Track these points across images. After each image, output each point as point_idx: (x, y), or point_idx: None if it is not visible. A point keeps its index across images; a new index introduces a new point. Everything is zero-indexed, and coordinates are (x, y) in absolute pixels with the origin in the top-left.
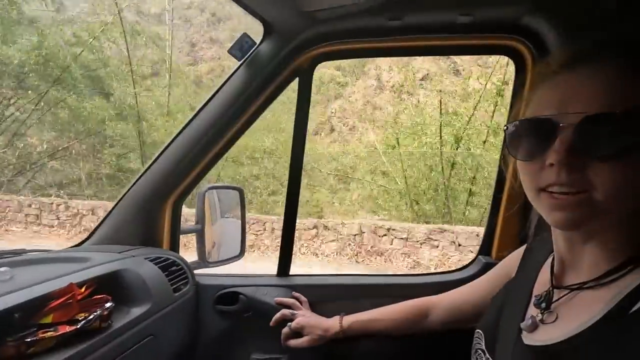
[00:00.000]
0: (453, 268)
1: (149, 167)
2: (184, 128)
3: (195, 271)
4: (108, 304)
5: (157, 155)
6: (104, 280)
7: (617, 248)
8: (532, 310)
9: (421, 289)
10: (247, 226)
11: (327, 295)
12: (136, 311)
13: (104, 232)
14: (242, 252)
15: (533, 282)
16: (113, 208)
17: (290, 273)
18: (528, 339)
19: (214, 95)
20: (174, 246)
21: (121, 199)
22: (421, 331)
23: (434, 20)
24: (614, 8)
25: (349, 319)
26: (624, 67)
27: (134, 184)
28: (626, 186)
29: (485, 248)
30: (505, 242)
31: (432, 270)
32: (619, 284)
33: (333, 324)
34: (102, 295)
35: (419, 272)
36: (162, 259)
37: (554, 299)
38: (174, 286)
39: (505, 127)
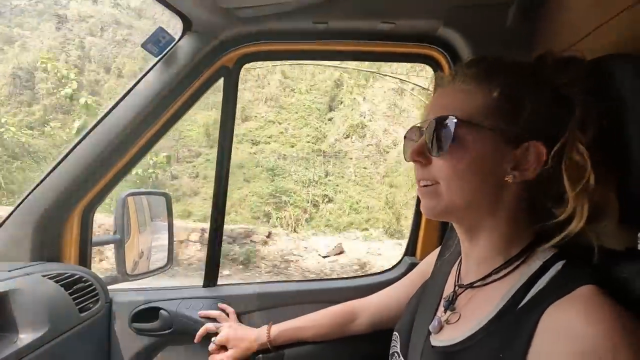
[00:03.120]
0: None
1: (49, 173)
2: (92, 129)
3: (113, 286)
4: None
5: (59, 159)
6: None
7: (502, 244)
8: (440, 312)
9: (350, 293)
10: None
11: (256, 304)
12: (26, 338)
13: None
14: (169, 262)
15: (444, 283)
16: (6, 218)
17: (218, 283)
18: (435, 340)
19: (127, 93)
20: (84, 260)
21: (16, 207)
22: (349, 334)
23: (358, 26)
24: (509, 24)
25: (277, 328)
26: (465, 83)
27: (32, 191)
28: (456, 176)
29: (410, 249)
30: (429, 243)
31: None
32: (509, 281)
33: (260, 334)
34: None
35: (347, 276)
36: (66, 275)
37: (458, 300)
38: (80, 305)
39: (405, 136)
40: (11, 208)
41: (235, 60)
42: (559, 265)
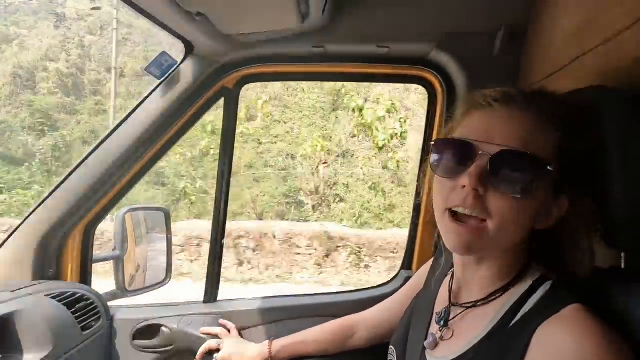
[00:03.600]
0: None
1: (53, 191)
2: (96, 147)
3: (114, 303)
4: None
5: (62, 178)
6: None
7: (505, 271)
8: (434, 327)
9: (348, 306)
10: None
11: (256, 319)
12: (31, 359)
13: None
14: (167, 278)
15: (435, 297)
16: (7, 238)
17: (219, 298)
18: (430, 355)
19: (130, 114)
20: (85, 278)
21: (18, 227)
22: (349, 349)
23: (354, 50)
24: (496, 52)
25: (278, 344)
26: (537, 116)
27: (34, 210)
28: (515, 221)
29: (406, 262)
30: (425, 257)
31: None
32: (501, 300)
33: (262, 350)
34: None
35: (345, 290)
36: (68, 294)
37: (451, 317)
38: (83, 324)
39: (434, 142)
40: None
41: (235, 82)
42: (547, 286)
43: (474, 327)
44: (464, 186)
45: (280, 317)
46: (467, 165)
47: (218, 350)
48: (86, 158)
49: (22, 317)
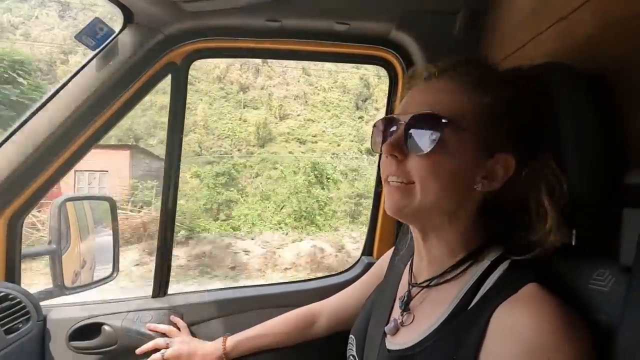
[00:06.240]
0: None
1: None
2: (17, 129)
3: (49, 302)
4: None
5: None
6: None
7: (456, 245)
8: (396, 313)
9: (307, 295)
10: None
11: (211, 313)
12: None
13: None
14: (115, 272)
15: (398, 283)
16: None
17: (169, 292)
18: (390, 343)
19: (60, 89)
20: (11, 275)
21: None
22: (309, 339)
23: (311, 26)
24: (457, 31)
25: (234, 339)
26: (455, 81)
27: None
28: (434, 179)
29: (367, 248)
30: (386, 242)
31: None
32: (461, 281)
33: (215, 348)
34: None
35: (304, 279)
36: None
37: (412, 300)
38: (6, 327)
39: (374, 124)
40: None
41: (183, 57)
42: (505, 265)
43: (435, 310)
44: (387, 156)
45: (236, 309)
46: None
47: (167, 348)
48: (6, 139)
49: None
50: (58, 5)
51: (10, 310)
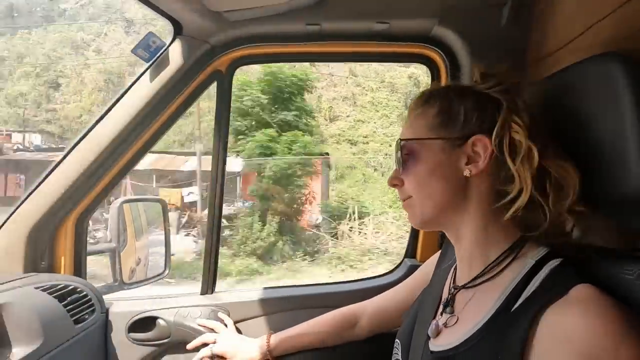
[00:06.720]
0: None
1: (40, 183)
2: (84, 135)
3: (110, 296)
4: None
5: (50, 169)
6: None
7: (484, 242)
8: (439, 316)
9: (349, 296)
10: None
11: (255, 311)
12: (19, 353)
13: None
14: (166, 269)
15: (442, 288)
16: None
17: (217, 290)
18: (433, 345)
19: (119, 99)
20: (78, 270)
21: (8, 218)
22: (351, 339)
23: (351, 27)
24: (504, 23)
25: (277, 337)
26: (423, 109)
27: (24, 200)
28: (420, 185)
29: (410, 251)
30: (429, 245)
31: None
32: (502, 281)
33: (260, 344)
34: None
35: (347, 280)
36: (60, 286)
37: (455, 302)
38: (75, 317)
39: None
40: None
41: (227, 64)
42: (552, 264)
43: (478, 311)
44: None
45: (280, 308)
46: None
47: (214, 343)
48: (74, 147)
49: (10, 310)
50: (123, 22)
51: (79, 302)
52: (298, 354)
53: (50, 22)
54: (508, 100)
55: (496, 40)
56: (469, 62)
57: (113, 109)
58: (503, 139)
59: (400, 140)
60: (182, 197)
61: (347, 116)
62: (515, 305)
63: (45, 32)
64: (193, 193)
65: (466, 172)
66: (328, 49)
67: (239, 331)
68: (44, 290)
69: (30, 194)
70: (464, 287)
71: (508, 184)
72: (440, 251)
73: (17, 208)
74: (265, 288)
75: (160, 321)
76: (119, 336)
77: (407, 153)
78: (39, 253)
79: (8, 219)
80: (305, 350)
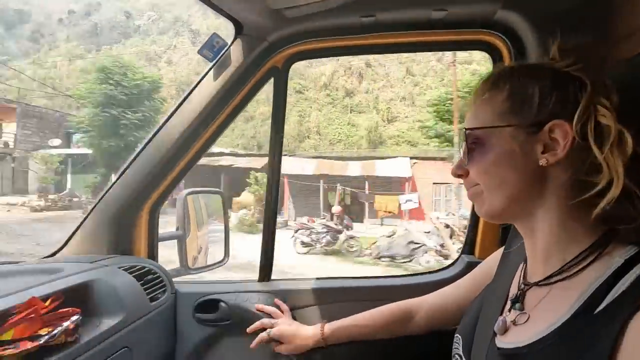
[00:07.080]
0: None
1: (122, 173)
2: (157, 131)
3: (176, 279)
4: (74, 317)
5: (130, 160)
6: (72, 293)
7: (564, 237)
8: (506, 313)
9: (405, 291)
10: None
11: (310, 300)
12: (108, 323)
13: (77, 242)
14: (226, 257)
15: (509, 284)
16: (86, 217)
17: (273, 278)
18: (500, 341)
19: (186, 97)
20: (152, 254)
21: (94, 207)
22: (405, 334)
23: (407, 17)
24: (578, 3)
25: (331, 326)
26: (484, 94)
27: (107, 191)
28: (487, 175)
29: (468, 247)
30: (489, 241)
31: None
32: (584, 279)
33: (314, 332)
34: (68, 309)
35: (403, 274)
36: (138, 267)
37: (526, 299)
38: (150, 295)
39: None
40: None
41: (284, 60)
42: None
43: (554, 310)
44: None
45: (334, 299)
46: None
47: (272, 327)
48: (148, 142)
49: (99, 286)
50: (190, 33)
51: (153, 282)
52: (351, 344)
53: (127, 37)
54: (593, 79)
55: (570, 23)
56: (537, 47)
57: (180, 107)
58: (587, 124)
59: (465, 129)
60: (400, 205)
61: (406, 117)
62: (599, 308)
63: (123, 47)
64: (411, 201)
65: (542, 162)
66: (384, 40)
67: (294, 318)
68: (125, 270)
69: (112, 185)
70: (536, 284)
71: (594, 174)
72: (502, 248)
73: (102, 197)
74: (320, 278)
75: (222, 304)
76: (186, 315)
77: (473, 142)
78: (120, 238)
79: (95, 206)
80: (359, 341)
